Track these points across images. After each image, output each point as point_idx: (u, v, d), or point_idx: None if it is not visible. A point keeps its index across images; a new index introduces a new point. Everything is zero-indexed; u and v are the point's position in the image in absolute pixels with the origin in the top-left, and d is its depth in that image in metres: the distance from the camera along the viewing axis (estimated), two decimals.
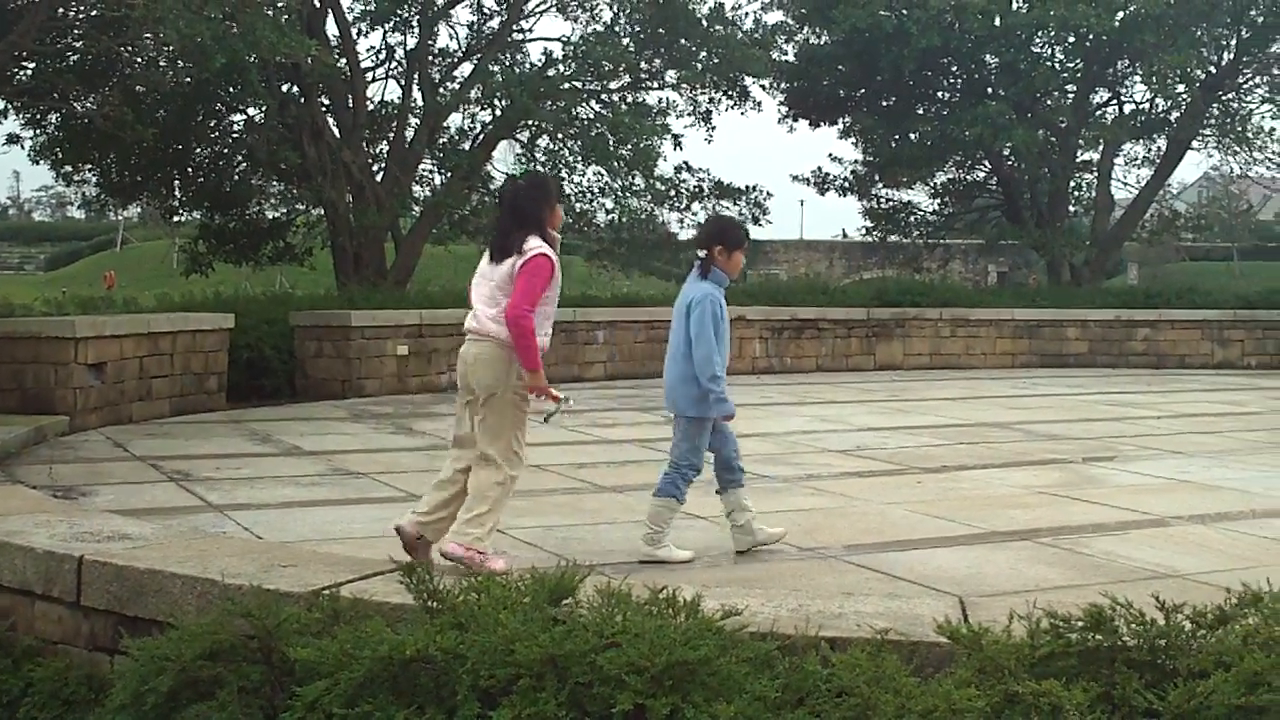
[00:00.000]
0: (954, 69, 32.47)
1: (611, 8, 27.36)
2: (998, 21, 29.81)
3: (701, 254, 8.47)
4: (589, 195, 27.32)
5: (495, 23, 27.23)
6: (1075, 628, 4.99)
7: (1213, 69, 32.05)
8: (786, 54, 32.45)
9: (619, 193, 27.08)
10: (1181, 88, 31.01)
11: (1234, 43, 31.71)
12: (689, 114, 28.45)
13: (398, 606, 5.65)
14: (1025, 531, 8.85)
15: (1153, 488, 10.92)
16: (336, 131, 24.70)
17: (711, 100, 28.48)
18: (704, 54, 27.19)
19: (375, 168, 25.82)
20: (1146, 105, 33.10)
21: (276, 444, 13.25)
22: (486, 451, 6.81)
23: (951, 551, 8.23)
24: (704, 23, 26.91)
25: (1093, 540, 8.59)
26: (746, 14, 29.20)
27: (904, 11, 29.04)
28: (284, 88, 24.18)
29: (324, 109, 24.79)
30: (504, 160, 28.74)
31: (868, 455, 12.77)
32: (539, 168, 26.93)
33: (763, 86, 30.45)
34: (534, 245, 6.88)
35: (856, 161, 35.19)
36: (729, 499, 8.22)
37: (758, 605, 5.66)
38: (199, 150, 25.17)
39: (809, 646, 5.11)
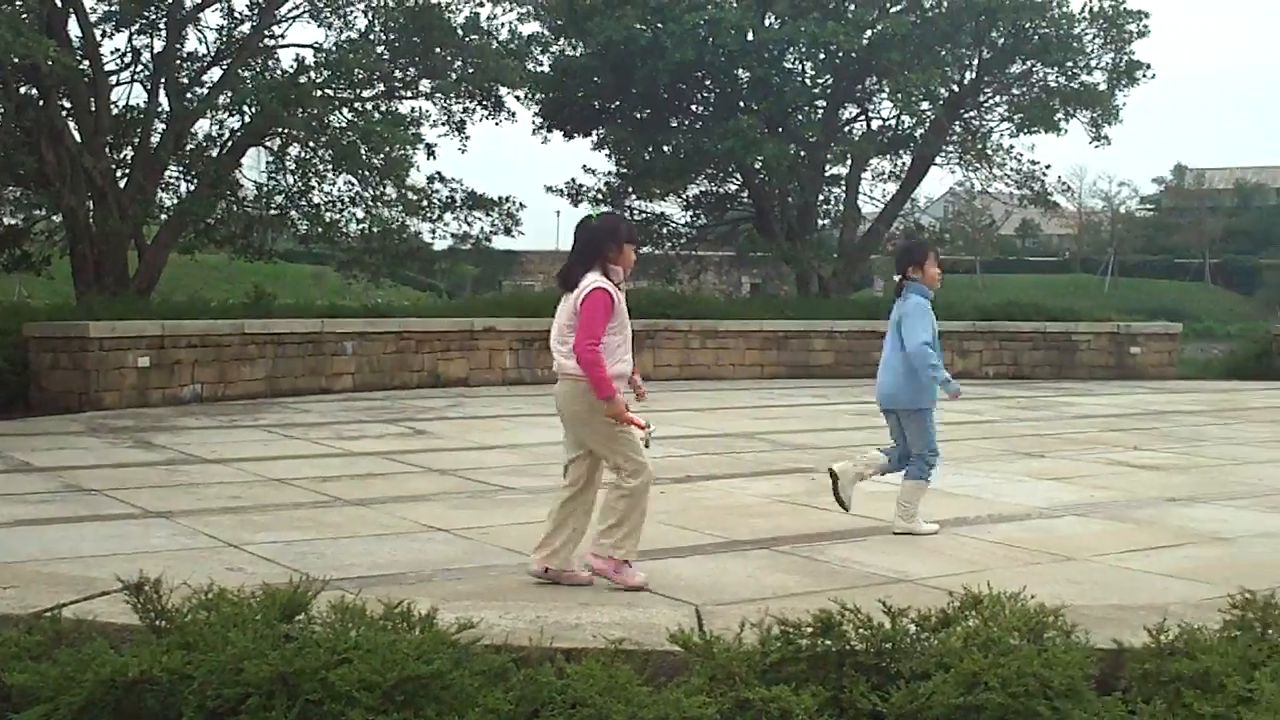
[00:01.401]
0: (708, 83, 32.88)
1: (366, 15, 27.07)
2: (751, 37, 30.35)
3: (898, 278, 9.88)
4: (339, 205, 26.95)
5: (246, 27, 26.67)
6: (805, 634, 5.07)
7: (956, 87, 33.13)
8: (542, 65, 32.47)
9: (370, 202, 26.82)
10: (926, 105, 32.05)
11: (976, 63, 32.83)
12: (443, 124, 28.30)
13: (124, 627, 5.47)
14: (766, 540, 8.99)
15: (890, 495, 11.16)
16: (78, 136, 23.90)
17: (466, 110, 28.38)
18: (459, 63, 27.10)
19: (119, 174, 25.06)
20: (893, 122, 34.09)
21: (5, 460, 12.75)
22: (618, 467, 7.52)
23: (692, 561, 8.33)
24: (459, 32, 26.80)
25: (830, 547, 8.78)
26: (502, 24, 29.02)
27: (659, 25, 29.37)
28: (21, 89, 23.33)
29: (65, 112, 23.98)
30: (254, 168, 28.22)
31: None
32: (289, 176, 26.55)
33: (517, 97, 30.44)
34: (590, 281, 7.40)
35: (610, 173, 35.39)
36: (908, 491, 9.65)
37: (495, 618, 5.62)
38: None
39: (544, 658, 5.09)
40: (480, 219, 28.67)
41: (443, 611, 5.35)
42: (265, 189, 27.08)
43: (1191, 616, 5.58)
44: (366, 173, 25.79)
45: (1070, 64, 32.06)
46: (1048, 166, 36.50)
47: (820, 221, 35.84)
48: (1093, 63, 32.46)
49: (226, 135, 26.41)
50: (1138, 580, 8.02)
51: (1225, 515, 10.57)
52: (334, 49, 26.10)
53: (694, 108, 34.07)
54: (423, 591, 6.55)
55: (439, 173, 28.50)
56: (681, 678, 4.95)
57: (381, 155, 25.19)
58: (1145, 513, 10.62)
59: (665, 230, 36.69)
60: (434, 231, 28.97)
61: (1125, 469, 13.30)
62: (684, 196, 36.04)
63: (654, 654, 5.21)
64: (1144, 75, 32.83)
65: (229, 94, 25.47)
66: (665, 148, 32.37)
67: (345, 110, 26.66)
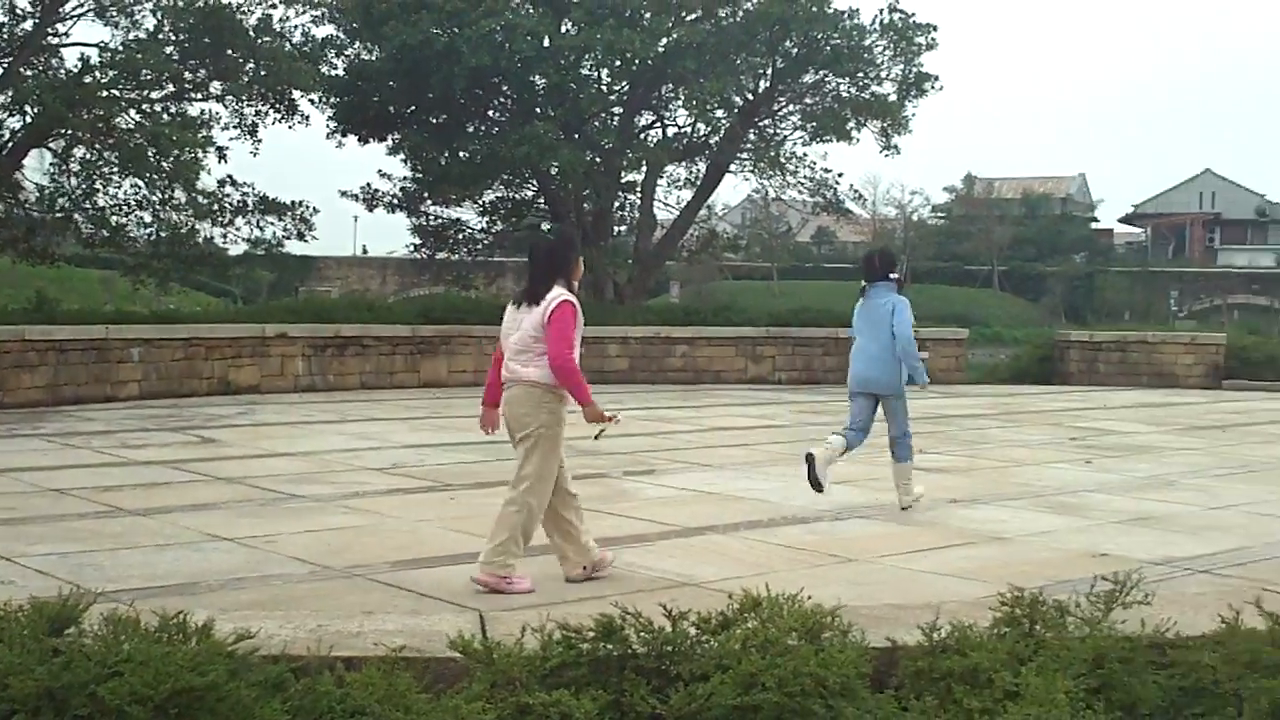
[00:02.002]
0: (505, 89, 32.84)
1: (155, 14, 26.51)
2: (547, 43, 30.39)
3: (895, 277, 11.43)
4: (126, 208, 26.31)
5: (28, 25, 25.92)
6: (587, 638, 5.08)
7: (750, 96, 33.55)
8: (336, 68, 32.16)
9: (158, 206, 26.24)
10: (721, 113, 32.41)
11: (770, 72, 33.27)
12: (234, 126, 27.82)
13: None
14: (540, 546, 8.98)
15: (680, 499, 11.29)
16: None
17: (258, 113, 27.96)
18: (251, 65, 26.67)
19: None
20: (688, 129, 34.38)
21: None
22: (519, 484, 7.72)
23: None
24: (251, 34, 26.41)
25: (619, 552, 8.80)
26: (296, 27, 28.67)
27: (455, 30, 29.23)
28: None
29: None
30: (37, 169, 27.45)
31: (404, 473, 12.76)
32: (74, 178, 25.88)
33: (311, 100, 30.07)
34: (556, 294, 7.72)
35: (406, 178, 35.15)
36: (900, 471, 11.11)
37: (275, 628, 5.54)
38: None
39: (324, 667, 5.03)
40: (273, 223, 28.29)
41: (221, 622, 5.26)
42: (48, 191, 26.32)
43: (964, 614, 5.72)
44: (155, 175, 25.24)
45: (861, 74, 32.71)
46: (840, 174, 37.25)
47: (617, 228, 36.02)
48: (883, 74, 33.17)
49: (7, 136, 25.65)
50: (917, 580, 8.20)
51: (1004, 515, 10.87)
52: (121, 49, 25.51)
53: (490, 113, 34.01)
54: (203, 602, 6.44)
55: (230, 176, 28.08)
56: (462, 684, 4.94)
57: (170, 158, 24.69)
58: (928, 514, 10.87)
59: (461, 236, 36.55)
60: (225, 236, 28.48)
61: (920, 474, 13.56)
62: (480, 202, 35.96)
63: (435, 661, 5.18)
64: (933, 86, 33.64)
65: (10, 93, 24.73)
66: (462, 153, 32.29)
67: (133, 112, 26.07)
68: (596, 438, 8.26)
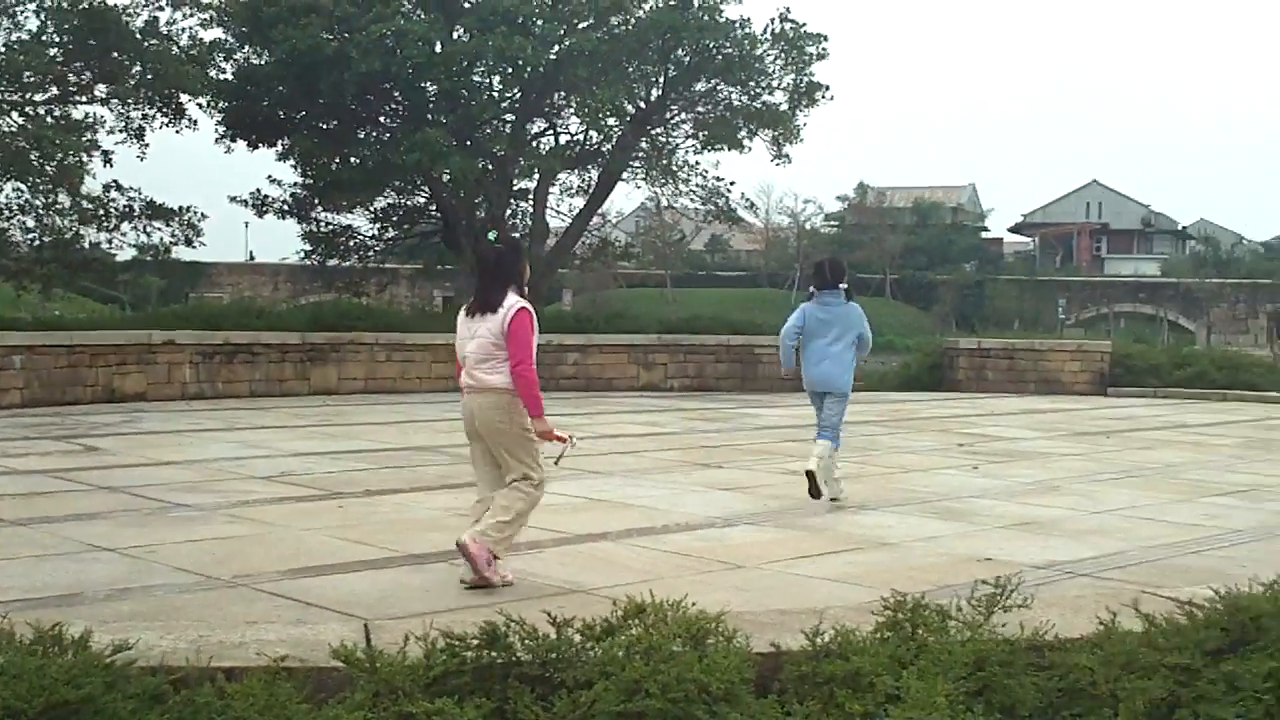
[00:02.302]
0: (396, 95, 32.58)
1: (38, 15, 26.09)
2: (439, 48, 30.23)
3: (844, 287, 12.29)
4: (8, 213, 25.87)
5: None
6: (471, 646, 5.07)
7: (643, 104, 33.56)
8: (225, 73, 31.76)
9: (41, 210, 25.82)
10: (613, 121, 32.40)
11: (662, 80, 33.31)
12: (121, 130, 27.43)
13: None
14: (443, 554, 8.92)
15: (571, 507, 11.28)
16: None
17: (145, 116, 27.59)
18: (137, 68, 26.32)
19: None
20: (581, 137, 34.34)
21: None
22: (511, 478, 8.01)
23: (366, 576, 8.25)
24: (138, 36, 26.10)
25: (508, 560, 8.76)
26: (183, 30, 28.26)
27: (345, 35, 29.01)
28: None
29: None
30: None
31: (292, 481, 12.63)
32: None
33: (200, 105, 29.71)
34: (513, 302, 7.93)
35: (297, 184, 34.79)
36: (826, 464, 11.92)
37: (155, 639, 5.45)
38: None
39: (205, 678, 4.97)
40: (160, 229, 27.94)
41: (100, 633, 5.17)
42: None
43: (848, 619, 5.76)
44: (38, 179, 24.85)
45: (753, 84, 32.85)
46: (733, 183, 37.38)
47: (513, 235, 35.92)
48: (774, 83, 33.33)
49: None
50: (803, 585, 8.24)
51: (891, 521, 10.97)
52: (2, 49, 25.08)
53: (382, 119, 33.75)
54: (83, 613, 6.33)
55: (116, 181, 27.67)
56: (345, 694, 4.90)
57: (54, 161, 24.33)
58: (816, 520, 10.94)
59: (353, 243, 36.30)
60: (111, 241, 28.08)
61: (800, 478, 13.62)
62: (372, 209, 35.73)
63: (318, 671, 5.13)
64: (824, 96, 33.86)
65: None
66: (353, 159, 32.02)
67: (15, 114, 25.63)
68: (557, 463, 8.36)
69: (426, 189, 34.54)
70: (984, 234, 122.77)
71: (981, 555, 9.34)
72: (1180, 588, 7.19)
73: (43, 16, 25.95)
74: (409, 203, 36.29)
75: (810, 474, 11.61)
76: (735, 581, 8.35)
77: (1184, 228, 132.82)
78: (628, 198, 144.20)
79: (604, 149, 33.96)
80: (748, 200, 42.59)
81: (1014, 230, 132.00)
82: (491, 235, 8.35)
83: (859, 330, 12.14)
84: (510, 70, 31.30)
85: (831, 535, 10.25)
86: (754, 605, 7.30)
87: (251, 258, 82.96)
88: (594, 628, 5.21)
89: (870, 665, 5.10)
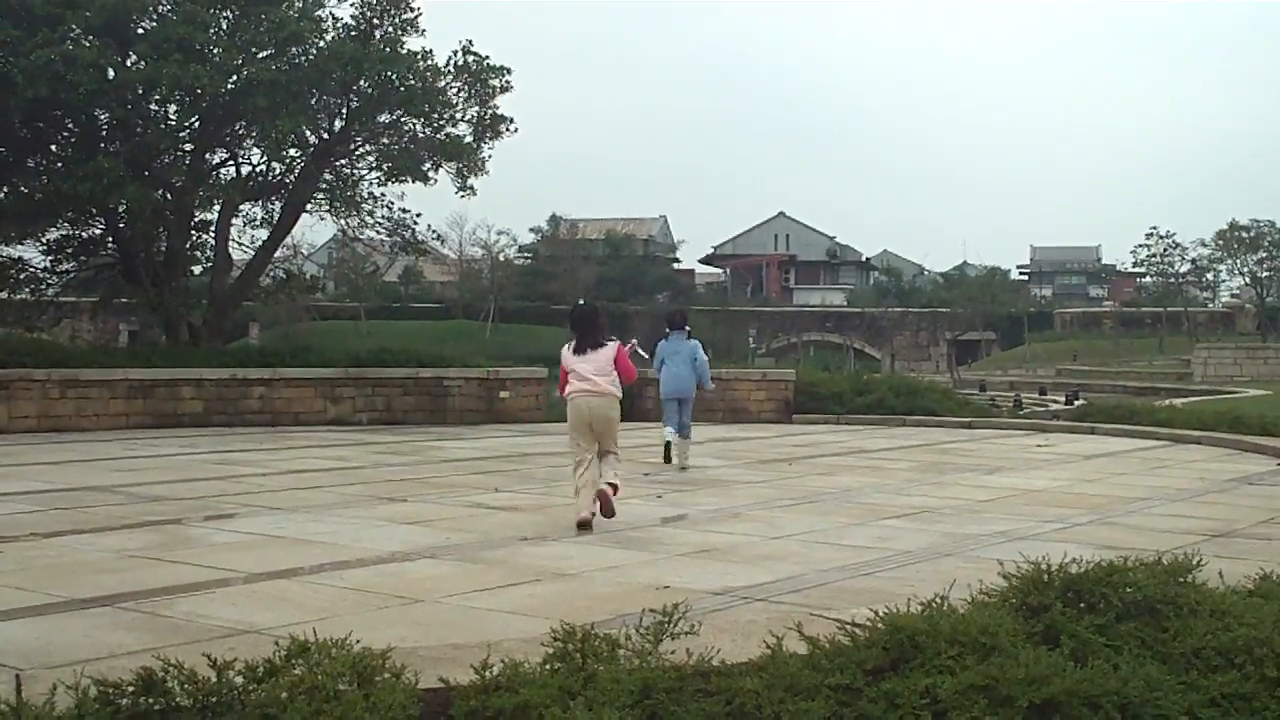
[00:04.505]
0: (67, 122, 31.40)
1: None
2: (111, 75, 29.27)
3: (687, 328, 19.61)
4: None
5: None
6: (126, 693, 4.89)
7: (326, 135, 33.09)
8: None
9: None
10: (295, 152, 31.92)
11: (345, 111, 32.88)
12: None
13: None
14: (109, 597, 8.62)
15: (247, 544, 11.01)
16: None
17: None
18: None
19: None
20: (262, 168, 33.65)
21: None
22: (613, 450, 12.92)
23: (25, 623, 7.87)
24: None
25: (178, 602, 8.52)
26: None
27: (10, 59, 27.86)
28: None
29: None
30: None
31: None
32: None
33: None
34: (612, 340, 13.03)
35: None
36: (683, 445, 18.80)
37: None
38: None
39: None
40: None
41: None
42: None
43: (520, 651, 5.77)
44: None
45: (436, 115, 32.70)
46: (419, 215, 37.03)
47: (192, 268, 35.01)
48: (458, 115, 33.23)
49: None
50: (481, 619, 8.19)
51: (572, 552, 11.00)
52: None
53: (53, 148, 32.45)
54: None
55: None
56: None
57: None
58: (497, 553, 10.91)
59: (23, 275, 34.82)
60: None
61: (484, 510, 13.66)
62: (44, 240, 34.31)
63: None
64: (508, 128, 33.92)
65: None
66: (22, 188, 30.72)
67: None
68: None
69: (102, 220, 33.31)
70: (676, 265, 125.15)
71: (660, 583, 9.40)
72: (846, 609, 7.40)
73: None
74: (84, 234, 34.95)
75: (668, 445, 18.50)
76: (413, 616, 8.25)
77: (868, 259, 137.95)
78: (315, 230, 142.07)
79: (287, 180, 33.36)
80: (435, 232, 42.31)
81: (705, 261, 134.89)
82: (581, 301, 11.85)
83: (695, 355, 19.02)
84: (188, 99, 30.42)
85: (510, 567, 10.21)
86: (432, 639, 7.23)
87: None
88: (256, 669, 5.09)
89: (539, 697, 5.09)
